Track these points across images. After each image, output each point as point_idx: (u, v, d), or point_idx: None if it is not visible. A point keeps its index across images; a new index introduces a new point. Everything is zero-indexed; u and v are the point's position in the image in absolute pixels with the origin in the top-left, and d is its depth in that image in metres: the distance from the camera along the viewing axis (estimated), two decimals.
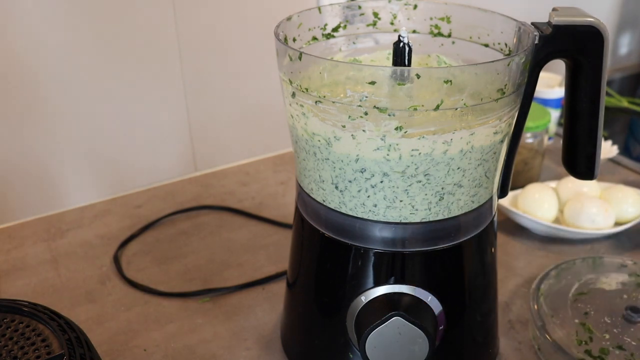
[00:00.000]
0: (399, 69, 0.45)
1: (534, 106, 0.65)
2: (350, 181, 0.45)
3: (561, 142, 0.52)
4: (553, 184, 0.81)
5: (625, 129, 1.32)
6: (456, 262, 0.49)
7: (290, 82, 0.45)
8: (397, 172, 0.43)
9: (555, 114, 0.95)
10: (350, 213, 0.46)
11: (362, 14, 0.54)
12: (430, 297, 0.48)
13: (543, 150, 0.85)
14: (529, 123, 0.79)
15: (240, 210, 0.82)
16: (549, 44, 0.45)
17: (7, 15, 0.72)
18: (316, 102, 0.43)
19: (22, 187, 0.81)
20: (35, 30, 0.74)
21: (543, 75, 0.88)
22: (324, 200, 0.47)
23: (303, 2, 0.89)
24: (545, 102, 0.94)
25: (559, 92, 0.94)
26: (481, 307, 0.52)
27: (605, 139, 0.97)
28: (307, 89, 0.43)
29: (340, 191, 0.46)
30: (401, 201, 0.44)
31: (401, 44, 0.45)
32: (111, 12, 0.77)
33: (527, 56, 0.44)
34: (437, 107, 0.40)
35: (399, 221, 0.45)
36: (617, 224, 0.75)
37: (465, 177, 0.44)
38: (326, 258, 0.50)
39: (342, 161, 0.44)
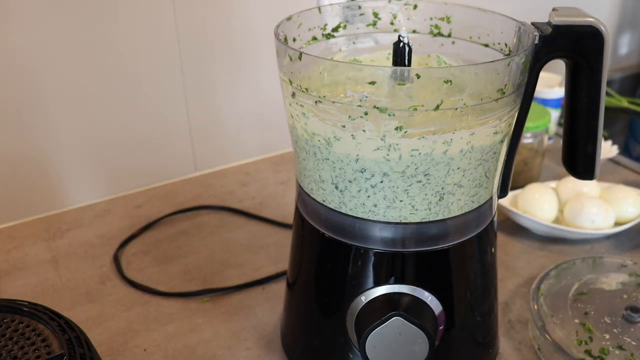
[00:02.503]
0: (399, 69, 0.45)
1: (534, 106, 0.65)
2: (350, 181, 0.45)
3: (561, 142, 0.52)
4: (553, 184, 0.81)
5: (625, 129, 1.32)
6: (456, 262, 0.49)
7: (290, 82, 0.45)
8: (397, 172, 0.43)
9: (555, 114, 0.95)
10: (350, 213, 0.46)
11: (362, 14, 0.54)
12: (430, 297, 0.48)
13: (543, 150, 0.85)
14: (529, 123, 0.79)
15: (240, 210, 0.82)
16: (549, 44, 0.45)
17: (6, 15, 0.72)
18: (316, 102, 0.43)
19: (22, 187, 0.81)
20: (35, 30, 0.74)
21: (543, 75, 0.88)
22: (324, 200, 0.47)
23: (303, 2, 0.89)
24: (545, 102, 0.94)
25: (559, 92, 0.94)
26: (481, 307, 0.52)
27: (605, 139, 0.97)
28: (307, 89, 0.43)
29: (340, 191, 0.46)
30: (401, 201, 0.44)
31: (401, 44, 0.45)
32: (111, 12, 0.77)
33: (527, 56, 0.44)
34: (437, 107, 0.40)
35: (398, 221, 0.45)
36: (617, 224, 0.75)
37: (465, 177, 0.44)
38: (326, 258, 0.50)
39: (342, 161, 0.44)
